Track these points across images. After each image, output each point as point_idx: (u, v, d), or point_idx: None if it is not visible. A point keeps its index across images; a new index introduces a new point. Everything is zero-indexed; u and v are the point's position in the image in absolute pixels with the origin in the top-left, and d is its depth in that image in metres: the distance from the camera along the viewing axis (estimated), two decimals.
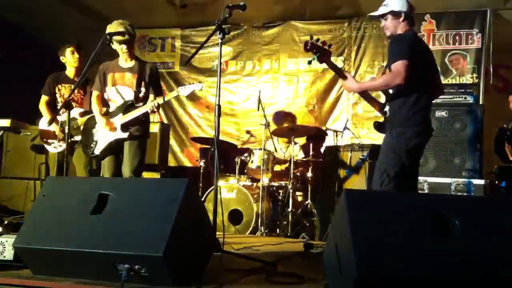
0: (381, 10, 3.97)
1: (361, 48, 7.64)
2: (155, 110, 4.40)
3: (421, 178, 5.07)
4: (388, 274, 2.35)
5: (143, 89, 4.55)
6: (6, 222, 4.69)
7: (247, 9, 3.77)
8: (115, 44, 4.44)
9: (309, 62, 4.00)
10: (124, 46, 4.46)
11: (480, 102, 6.35)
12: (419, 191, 4.89)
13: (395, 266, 2.37)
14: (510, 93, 6.42)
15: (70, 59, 5.23)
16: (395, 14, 3.90)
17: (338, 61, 7.49)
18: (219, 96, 3.73)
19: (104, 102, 4.67)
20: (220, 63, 3.88)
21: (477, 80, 6.95)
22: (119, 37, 4.35)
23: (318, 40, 3.85)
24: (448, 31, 7.24)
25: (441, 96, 5.55)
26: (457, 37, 7.17)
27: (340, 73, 3.98)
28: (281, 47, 8.04)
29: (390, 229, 2.51)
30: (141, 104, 4.51)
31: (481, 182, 5.19)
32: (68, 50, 5.22)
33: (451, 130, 5.41)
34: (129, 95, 4.53)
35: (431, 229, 2.51)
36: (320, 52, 3.84)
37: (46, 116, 5.16)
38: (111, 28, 4.40)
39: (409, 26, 3.94)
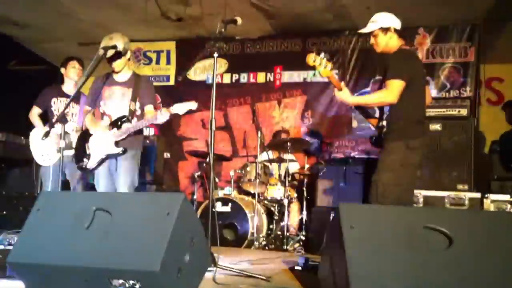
0: (370, 27, 4.00)
1: (354, 61, 7.68)
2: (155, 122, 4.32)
3: (415, 191, 5.09)
4: None
5: (137, 103, 4.53)
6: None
7: (242, 23, 3.82)
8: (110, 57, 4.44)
9: (314, 74, 4.06)
10: (118, 60, 4.46)
11: (474, 115, 6.39)
12: (414, 205, 4.91)
13: (389, 283, 2.36)
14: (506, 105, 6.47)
15: (71, 72, 5.23)
16: (385, 30, 3.94)
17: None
18: (214, 109, 3.75)
19: (98, 116, 4.63)
20: (215, 76, 3.89)
21: (471, 93, 7.00)
22: (113, 50, 4.35)
23: (320, 53, 3.88)
24: (441, 45, 7.29)
25: (434, 109, 5.64)
26: (450, 51, 7.22)
27: (337, 85, 4.00)
28: (276, 60, 8.06)
29: (385, 243, 2.51)
30: (135, 119, 4.48)
31: (476, 195, 5.21)
32: (71, 64, 5.24)
33: (445, 143, 5.44)
34: (124, 109, 4.49)
35: (426, 244, 2.51)
36: (323, 65, 3.86)
37: (39, 126, 5.14)
38: (106, 41, 4.40)
39: (400, 41, 3.97)
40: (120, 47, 4.37)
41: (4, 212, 6.04)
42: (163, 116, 4.20)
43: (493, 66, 7.75)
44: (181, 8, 7.18)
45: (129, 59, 4.60)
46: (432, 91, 6.81)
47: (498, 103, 7.69)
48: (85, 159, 4.52)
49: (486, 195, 5.19)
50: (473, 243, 2.53)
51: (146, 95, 4.57)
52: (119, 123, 4.43)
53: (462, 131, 5.46)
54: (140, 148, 4.63)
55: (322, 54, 3.83)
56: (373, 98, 4.09)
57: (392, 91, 3.72)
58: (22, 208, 6.02)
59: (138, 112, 4.55)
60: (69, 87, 5.28)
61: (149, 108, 4.57)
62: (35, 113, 5.20)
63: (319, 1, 6.76)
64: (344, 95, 3.94)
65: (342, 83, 3.96)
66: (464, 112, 5.69)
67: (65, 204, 3.08)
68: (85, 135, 4.62)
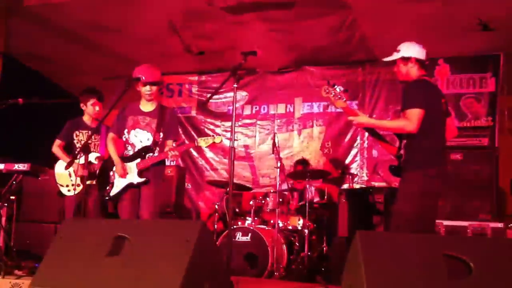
0: (393, 56, 4.05)
1: (375, 92, 7.71)
2: (173, 159, 4.45)
3: (437, 221, 5.04)
4: None
5: (162, 134, 4.60)
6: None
7: (263, 55, 3.90)
8: (139, 87, 4.57)
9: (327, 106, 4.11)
10: (146, 89, 4.57)
11: (495, 145, 6.33)
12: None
13: None
14: None
15: (90, 110, 5.31)
16: (405, 60, 3.98)
17: (352, 105, 7.54)
18: (234, 139, 3.81)
19: (122, 145, 4.71)
20: (235, 108, 3.96)
21: (492, 122, 6.95)
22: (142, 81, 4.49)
23: (334, 85, 3.93)
24: (461, 75, 7.29)
25: (456, 139, 5.59)
26: (470, 81, 7.21)
27: (353, 114, 4.03)
28: (296, 91, 8.13)
29: (405, 272, 2.49)
30: (158, 149, 4.56)
31: (498, 225, 5.14)
32: (90, 101, 5.31)
33: (467, 173, 5.40)
34: (148, 140, 4.57)
35: (446, 272, 2.49)
36: (337, 96, 3.91)
37: (63, 159, 5.22)
38: (137, 71, 4.55)
39: (421, 71, 4.00)
40: (145, 78, 4.49)
41: (28, 242, 6.14)
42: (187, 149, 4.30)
43: None
44: (203, 43, 7.33)
45: (158, 90, 4.68)
46: None
47: None
48: (108, 187, 4.60)
49: (510, 225, 5.12)
50: (494, 271, 2.51)
51: (170, 128, 4.65)
52: (143, 153, 4.52)
53: (484, 161, 5.43)
54: (162, 178, 4.71)
55: (336, 86, 3.89)
56: (392, 124, 4.18)
57: (412, 120, 3.72)
58: (46, 237, 6.10)
59: (162, 142, 4.61)
60: (89, 120, 5.37)
61: (170, 143, 4.63)
62: (58, 146, 5.29)
63: (340, 34, 6.84)
64: (361, 119, 3.99)
65: (359, 112, 3.99)
66: (484, 141, 5.67)
67: (87, 231, 3.13)
68: (109, 164, 4.69)
